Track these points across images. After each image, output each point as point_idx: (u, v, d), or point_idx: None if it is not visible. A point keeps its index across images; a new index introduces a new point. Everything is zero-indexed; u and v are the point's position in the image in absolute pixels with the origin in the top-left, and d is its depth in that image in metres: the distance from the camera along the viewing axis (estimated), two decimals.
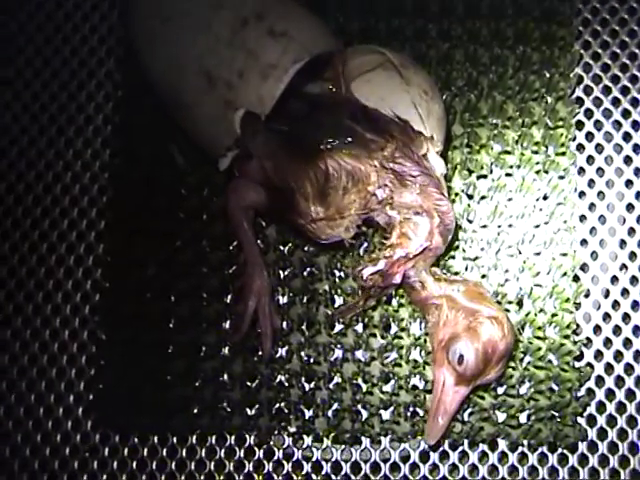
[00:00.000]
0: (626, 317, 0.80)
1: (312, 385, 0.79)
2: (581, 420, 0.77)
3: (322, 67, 0.76)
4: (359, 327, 0.79)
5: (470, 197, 0.82)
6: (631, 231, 0.82)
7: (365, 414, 0.78)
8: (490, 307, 0.72)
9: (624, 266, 0.81)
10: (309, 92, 0.77)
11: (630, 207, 0.82)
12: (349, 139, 0.72)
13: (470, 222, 0.81)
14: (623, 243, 0.81)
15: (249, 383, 0.79)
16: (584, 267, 0.80)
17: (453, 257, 0.80)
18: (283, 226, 0.81)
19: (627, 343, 0.79)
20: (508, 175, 0.82)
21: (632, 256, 0.81)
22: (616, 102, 0.85)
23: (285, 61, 0.72)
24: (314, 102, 0.76)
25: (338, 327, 0.79)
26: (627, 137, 0.84)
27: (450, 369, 0.71)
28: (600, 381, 0.78)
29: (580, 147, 0.84)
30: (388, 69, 0.77)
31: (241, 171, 0.77)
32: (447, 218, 0.72)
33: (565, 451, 0.76)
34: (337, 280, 0.80)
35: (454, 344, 0.71)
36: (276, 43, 0.72)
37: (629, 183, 0.83)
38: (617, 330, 0.79)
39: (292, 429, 0.78)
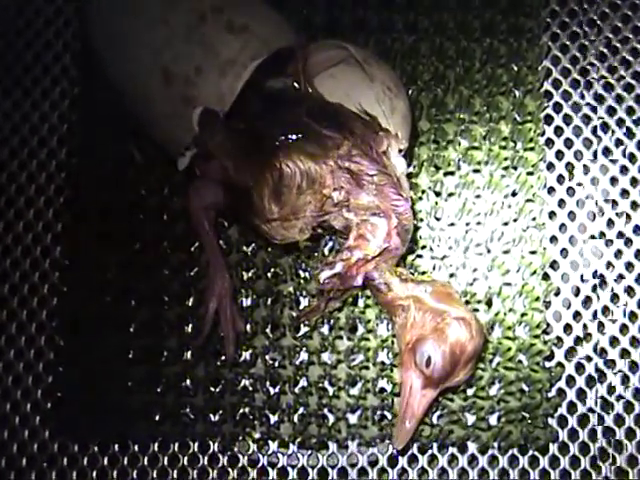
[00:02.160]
0: (596, 315, 0.78)
1: (277, 389, 0.77)
2: (552, 421, 0.76)
3: (284, 62, 0.74)
4: (325, 329, 0.78)
5: (437, 194, 0.80)
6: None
7: (332, 418, 0.76)
8: (458, 308, 0.70)
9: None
10: (270, 87, 0.75)
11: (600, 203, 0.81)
12: (305, 136, 0.70)
13: (438, 220, 0.80)
14: (593, 239, 0.80)
15: (212, 388, 0.77)
16: (554, 265, 0.79)
17: (421, 256, 0.79)
18: (245, 226, 0.79)
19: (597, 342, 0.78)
20: (476, 171, 0.80)
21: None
22: (585, 96, 0.83)
23: (244, 57, 0.70)
24: (274, 98, 0.73)
25: (303, 330, 0.78)
26: (596, 132, 0.82)
27: (417, 372, 0.70)
28: (571, 381, 0.77)
29: (549, 142, 0.82)
30: (351, 64, 0.75)
31: (201, 170, 0.75)
32: (404, 219, 0.70)
33: (536, 453, 0.75)
34: (302, 281, 0.79)
35: (421, 346, 0.69)
36: (235, 38, 0.70)
37: (595, 180, 0.81)
38: (587, 328, 0.78)
39: (257, 435, 0.76)
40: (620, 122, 0.82)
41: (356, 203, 0.70)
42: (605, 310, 0.78)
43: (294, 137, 0.69)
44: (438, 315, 0.69)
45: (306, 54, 0.74)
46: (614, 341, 0.77)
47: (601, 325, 0.78)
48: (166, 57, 0.71)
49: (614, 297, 0.78)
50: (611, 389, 0.76)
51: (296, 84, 0.74)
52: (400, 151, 0.71)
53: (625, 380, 0.77)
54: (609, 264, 0.79)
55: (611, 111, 0.83)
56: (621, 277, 0.79)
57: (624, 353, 0.77)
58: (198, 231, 0.77)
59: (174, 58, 0.71)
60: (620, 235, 0.80)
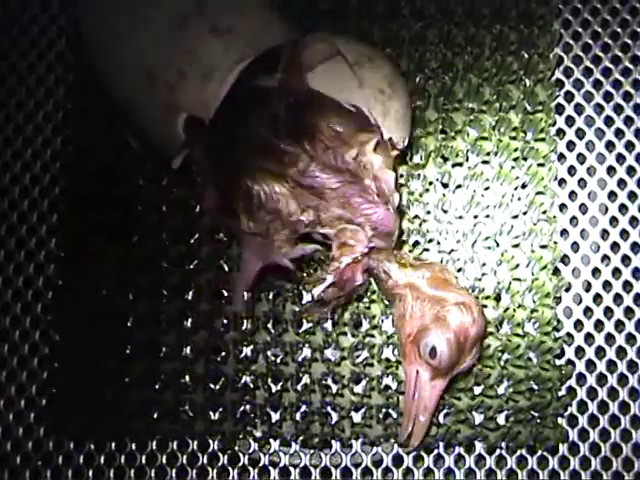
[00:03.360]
0: (608, 311, 0.76)
1: (279, 386, 0.75)
2: (562, 421, 0.73)
3: (271, 62, 0.70)
4: (328, 325, 0.75)
5: (445, 186, 0.78)
6: (613, 220, 0.78)
7: (335, 417, 0.74)
8: (456, 293, 0.69)
9: (606, 257, 0.77)
10: (254, 87, 0.71)
11: (612, 195, 0.79)
12: (266, 153, 0.67)
13: (445, 212, 0.77)
14: (605, 233, 0.78)
15: (212, 385, 0.75)
16: (565, 259, 0.77)
17: (427, 250, 0.76)
18: None
19: (609, 338, 0.76)
20: (485, 163, 0.78)
21: (614, 247, 0.77)
22: (598, 84, 0.81)
23: (228, 61, 0.66)
24: (255, 98, 0.69)
25: (306, 325, 0.76)
26: (609, 121, 0.80)
27: (424, 364, 0.68)
28: (581, 379, 0.75)
29: (560, 132, 0.80)
30: (342, 62, 0.71)
31: (199, 169, 0.72)
32: (381, 225, 0.68)
33: (545, 453, 0.73)
34: (305, 275, 0.76)
35: (424, 337, 0.67)
36: (219, 41, 0.67)
37: (611, 170, 0.79)
38: (599, 325, 0.76)
39: (258, 433, 0.74)
40: (637, 109, 0.80)
41: (328, 217, 0.67)
42: (617, 304, 0.76)
43: (256, 157, 0.67)
44: (437, 302, 0.68)
45: (294, 52, 0.70)
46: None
47: (612, 320, 0.76)
48: (149, 59, 0.68)
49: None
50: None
51: (283, 83, 0.71)
52: (395, 153, 0.69)
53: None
54: (624, 258, 0.77)
55: (627, 97, 0.80)
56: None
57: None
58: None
59: (157, 62, 0.68)
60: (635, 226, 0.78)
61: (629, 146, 0.79)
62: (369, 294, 0.75)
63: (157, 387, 0.75)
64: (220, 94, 0.66)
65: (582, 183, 0.79)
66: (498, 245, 0.76)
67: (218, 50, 0.67)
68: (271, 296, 0.76)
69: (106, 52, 0.72)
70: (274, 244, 0.68)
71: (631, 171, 0.79)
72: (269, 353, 0.75)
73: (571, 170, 0.79)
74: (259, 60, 0.67)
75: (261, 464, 0.74)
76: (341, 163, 0.67)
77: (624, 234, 0.78)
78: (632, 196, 0.78)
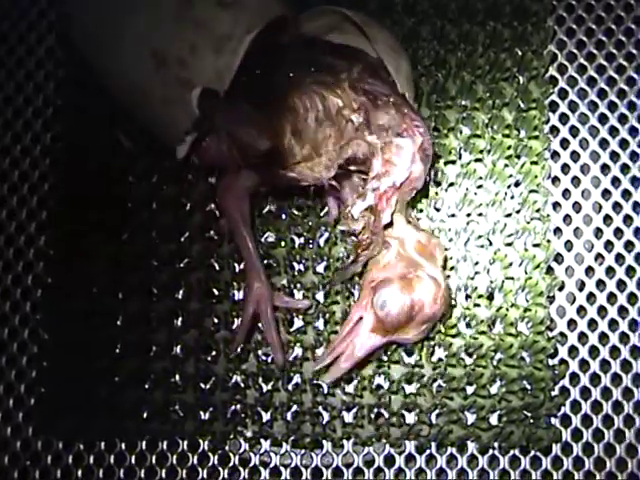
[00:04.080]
0: (602, 310, 0.76)
1: (270, 386, 0.74)
2: (555, 421, 0.73)
3: (279, 32, 0.71)
4: (320, 324, 0.75)
5: (438, 184, 0.77)
6: (607, 219, 0.77)
7: (326, 416, 0.73)
8: (435, 269, 0.69)
9: (600, 256, 0.77)
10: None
11: (606, 193, 0.78)
12: (315, 69, 0.69)
13: (437, 211, 0.77)
14: (599, 232, 0.77)
15: (202, 385, 0.74)
16: (558, 258, 0.76)
17: None
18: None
19: (603, 338, 0.75)
20: (478, 160, 0.77)
21: (608, 245, 0.77)
22: (592, 81, 0.80)
23: (238, 31, 0.66)
24: (274, 60, 0.71)
25: (297, 324, 0.75)
26: (603, 119, 0.79)
27: (371, 313, 0.68)
28: (575, 379, 0.74)
29: (554, 130, 0.79)
30: (347, 31, 0.72)
31: (200, 156, 0.72)
32: (426, 142, 0.69)
33: (538, 453, 0.73)
34: (296, 274, 0.76)
35: (383, 287, 0.67)
36: (227, 13, 0.67)
37: (605, 168, 0.78)
38: (592, 324, 0.75)
39: (249, 433, 0.74)
40: (631, 106, 0.79)
41: (377, 124, 0.68)
42: (610, 303, 0.75)
43: (302, 72, 0.69)
44: (412, 266, 0.68)
45: (300, 21, 0.72)
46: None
47: (606, 320, 0.75)
48: (156, 40, 0.67)
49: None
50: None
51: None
52: None
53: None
54: (618, 256, 0.76)
55: (621, 95, 0.80)
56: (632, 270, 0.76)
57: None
58: (234, 232, 0.74)
59: (165, 40, 0.67)
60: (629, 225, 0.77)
61: (623, 144, 0.79)
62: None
63: (147, 386, 0.74)
64: (233, 65, 0.65)
65: (576, 181, 0.78)
66: (491, 244, 0.76)
67: (228, 21, 0.67)
68: None
69: (104, 48, 0.71)
70: (322, 163, 0.69)
71: (625, 169, 0.78)
72: (260, 352, 0.75)
73: (565, 168, 0.78)
74: (267, 30, 0.67)
75: (252, 464, 0.74)
76: (386, 76, 0.69)
77: (618, 233, 0.77)
78: (626, 194, 0.78)
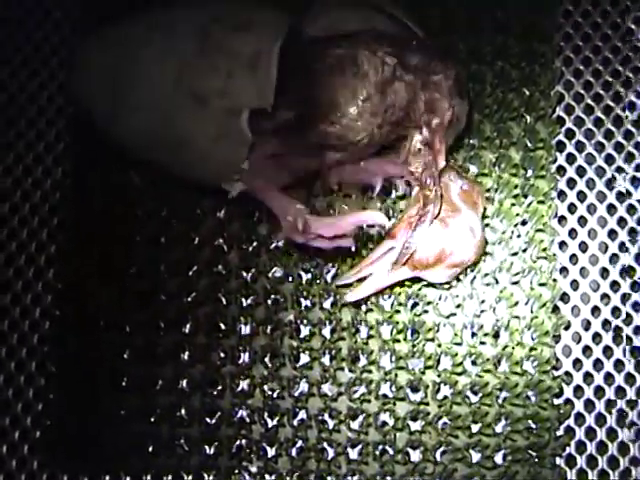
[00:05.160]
0: (607, 350, 0.75)
1: (275, 421, 0.74)
2: (560, 461, 0.73)
3: (303, 34, 0.74)
4: (326, 360, 0.75)
5: None
6: (613, 258, 0.78)
7: (331, 453, 0.74)
8: (475, 217, 0.72)
9: (606, 296, 0.77)
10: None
11: (612, 233, 0.78)
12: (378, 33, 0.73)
13: None
14: (605, 272, 0.77)
15: (208, 419, 0.75)
16: (564, 297, 0.76)
17: (426, 286, 0.76)
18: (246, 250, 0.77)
19: (608, 378, 0.75)
20: (485, 199, 0.77)
21: (614, 285, 0.77)
22: (599, 122, 0.80)
23: (265, 45, 0.67)
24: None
25: (304, 359, 0.75)
26: (609, 159, 0.80)
27: (402, 245, 0.70)
28: (580, 418, 0.74)
29: (561, 170, 0.79)
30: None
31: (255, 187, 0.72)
32: (459, 73, 0.73)
33: None
34: (303, 309, 0.76)
35: (419, 225, 0.70)
36: (246, 33, 0.68)
37: (611, 208, 0.79)
38: (598, 364, 0.75)
39: (253, 469, 0.74)
40: (638, 146, 0.80)
41: (410, 65, 0.71)
42: (616, 343, 0.75)
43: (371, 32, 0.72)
44: (453, 211, 0.71)
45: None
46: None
47: (612, 360, 0.75)
48: (187, 81, 0.68)
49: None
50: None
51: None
52: None
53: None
54: (624, 296, 0.76)
55: (628, 136, 0.80)
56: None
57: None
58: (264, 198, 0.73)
59: (199, 77, 0.68)
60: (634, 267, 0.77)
61: (630, 184, 0.79)
62: (367, 329, 0.75)
63: (153, 420, 0.75)
64: (272, 77, 0.66)
65: (582, 221, 0.78)
66: (497, 282, 0.76)
67: (251, 39, 0.68)
68: (269, 330, 0.76)
69: (127, 103, 0.71)
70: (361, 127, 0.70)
71: (631, 209, 0.78)
72: (266, 387, 0.75)
73: (571, 208, 0.79)
74: (291, 33, 0.68)
75: None
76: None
77: (624, 273, 0.77)
78: (632, 233, 0.78)
